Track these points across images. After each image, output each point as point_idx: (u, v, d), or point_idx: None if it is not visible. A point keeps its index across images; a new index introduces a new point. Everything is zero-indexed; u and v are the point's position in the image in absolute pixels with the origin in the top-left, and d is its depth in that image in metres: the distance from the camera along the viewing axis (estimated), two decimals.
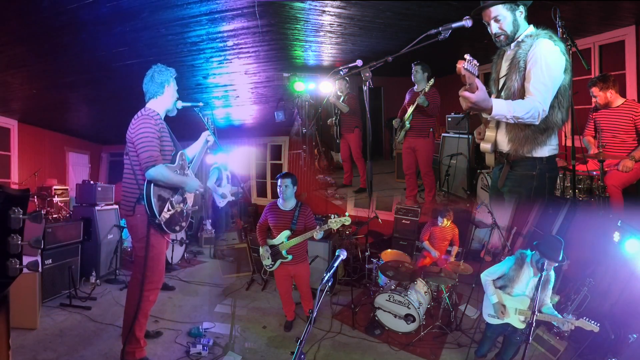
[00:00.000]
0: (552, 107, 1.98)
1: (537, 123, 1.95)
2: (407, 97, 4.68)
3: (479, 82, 1.81)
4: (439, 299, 3.93)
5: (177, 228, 2.67)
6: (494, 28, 2.05)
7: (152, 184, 2.46)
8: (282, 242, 3.42)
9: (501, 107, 1.88)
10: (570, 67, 2.00)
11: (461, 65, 1.74)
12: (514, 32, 2.04)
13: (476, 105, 1.83)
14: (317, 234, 3.29)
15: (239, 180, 3.65)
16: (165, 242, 2.74)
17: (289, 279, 3.60)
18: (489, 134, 2.23)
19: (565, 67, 1.96)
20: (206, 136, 2.97)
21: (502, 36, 2.05)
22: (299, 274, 3.57)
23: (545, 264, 2.59)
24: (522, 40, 2.02)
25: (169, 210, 2.57)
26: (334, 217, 3.29)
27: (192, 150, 2.95)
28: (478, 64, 1.78)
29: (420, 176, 5.02)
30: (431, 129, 4.61)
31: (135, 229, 2.60)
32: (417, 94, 4.40)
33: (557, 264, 2.66)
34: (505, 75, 2.11)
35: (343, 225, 3.34)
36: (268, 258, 3.49)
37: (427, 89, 4.28)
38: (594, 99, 3.35)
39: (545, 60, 1.90)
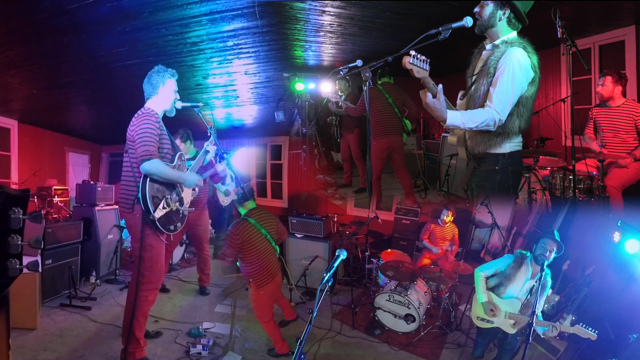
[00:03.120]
0: (510, 114, 2.04)
1: (493, 130, 2.03)
2: None
3: (440, 93, 1.90)
4: (439, 299, 3.93)
5: (172, 228, 2.67)
6: (477, 7, 2.08)
7: (147, 179, 2.47)
8: None
9: (455, 118, 1.96)
10: (537, 80, 2.03)
11: (406, 60, 1.83)
12: (487, 25, 2.05)
13: (430, 108, 1.92)
14: None
15: (239, 181, 3.69)
16: (164, 243, 2.74)
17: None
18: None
19: (533, 79, 2.01)
20: (206, 146, 3.04)
21: (478, 20, 2.07)
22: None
23: (546, 244, 2.64)
24: (497, 46, 2.05)
25: (164, 207, 2.56)
26: None
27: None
28: (428, 60, 1.87)
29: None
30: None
31: (135, 228, 2.60)
32: None
33: (556, 248, 2.67)
34: (476, 74, 2.15)
35: (342, 225, 3.32)
36: None
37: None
38: (599, 87, 3.30)
39: (513, 70, 1.95)
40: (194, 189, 2.87)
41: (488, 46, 2.11)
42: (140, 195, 2.46)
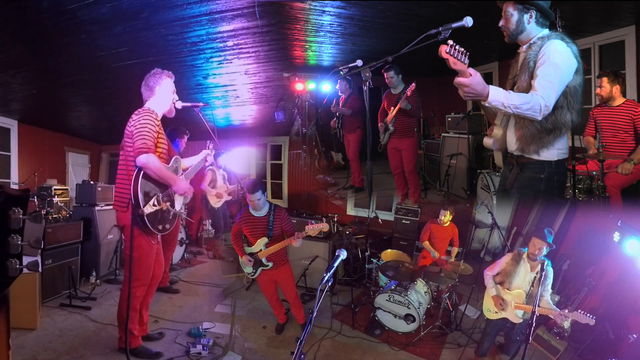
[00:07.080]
0: (560, 107, 1.97)
1: (539, 118, 1.93)
2: (385, 101, 4.79)
3: (471, 69, 1.81)
4: (439, 299, 3.93)
5: (161, 227, 2.66)
6: (501, 21, 2.09)
7: (141, 173, 2.46)
8: (261, 250, 3.32)
9: (498, 94, 1.86)
10: (582, 70, 1.98)
11: (443, 49, 1.73)
12: (517, 32, 2.06)
13: (471, 89, 1.82)
14: (297, 242, 3.22)
15: (237, 178, 3.66)
16: (154, 245, 2.74)
17: (272, 283, 3.50)
18: (496, 131, 2.25)
19: (577, 69, 1.97)
20: (205, 155, 3.06)
21: (505, 32, 2.08)
22: (281, 278, 3.44)
23: (535, 243, 2.78)
24: (534, 42, 2.04)
25: (154, 205, 2.55)
26: (312, 224, 3.21)
27: (189, 162, 3.05)
28: (467, 52, 1.76)
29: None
30: (415, 129, 4.74)
31: (128, 229, 2.62)
32: (395, 97, 4.54)
33: (546, 244, 2.78)
34: (516, 75, 2.13)
35: (342, 225, 3.33)
36: (250, 266, 3.40)
37: (407, 92, 4.36)
38: (598, 89, 3.32)
39: (553, 58, 1.91)
40: (184, 196, 2.86)
41: (523, 48, 2.10)
42: (132, 189, 2.44)
